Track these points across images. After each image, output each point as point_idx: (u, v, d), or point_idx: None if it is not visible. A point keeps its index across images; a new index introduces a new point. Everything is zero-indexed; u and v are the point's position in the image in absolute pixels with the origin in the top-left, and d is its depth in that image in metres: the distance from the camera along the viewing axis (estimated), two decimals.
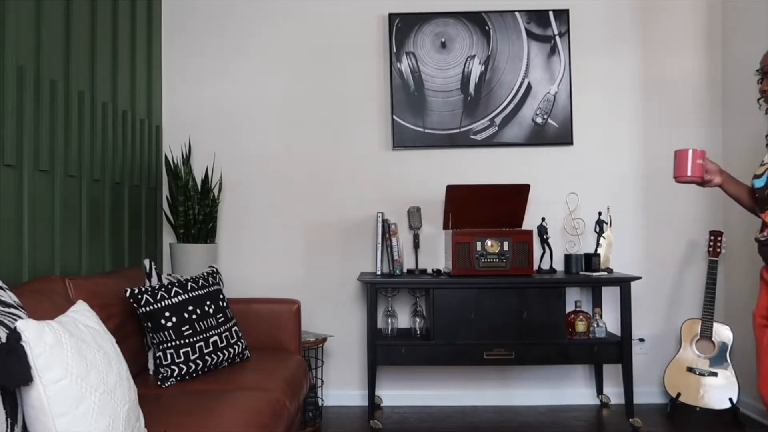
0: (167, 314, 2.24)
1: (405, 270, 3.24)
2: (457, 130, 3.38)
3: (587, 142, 3.42)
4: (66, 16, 2.41)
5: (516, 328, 2.97)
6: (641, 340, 3.38)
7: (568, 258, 3.22)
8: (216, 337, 2.35)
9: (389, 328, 3.19)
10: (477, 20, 3.39)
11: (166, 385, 2.20)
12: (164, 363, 2.22)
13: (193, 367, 2.25)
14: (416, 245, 3.30)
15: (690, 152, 2.05)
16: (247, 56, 3.45)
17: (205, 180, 3.18)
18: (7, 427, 1.24)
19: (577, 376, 3.41)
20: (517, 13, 3.39)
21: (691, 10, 3.43)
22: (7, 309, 1.45)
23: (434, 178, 3.39)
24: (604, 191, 3.41)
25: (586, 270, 3.16)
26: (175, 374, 2.22)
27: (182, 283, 2.38)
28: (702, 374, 3.05)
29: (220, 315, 2.42)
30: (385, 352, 2.99)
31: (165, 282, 2.37)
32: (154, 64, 3.30)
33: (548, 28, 3.39)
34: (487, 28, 3.39)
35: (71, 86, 2.42)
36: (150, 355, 2.40)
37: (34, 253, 2.17)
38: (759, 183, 2.12)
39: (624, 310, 3.01)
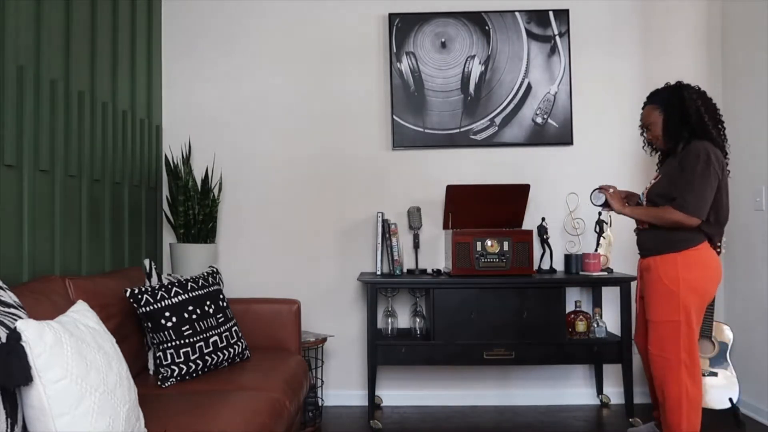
0: (167, 314, 2.24)
1: (405, 270, 3.24)
2: (457, 130, 3.38)
3: (587, 142, 3.42)
4: (66, 16, 2.41)
5: (516, 328, 2.97)
6: None
7: (568, 258, 3.22)
8: (216, 337, 2.35)
9: (389, 328, 3.19)
10: (477, 20, 3.39)
11: (166, 385, 2.20)
12: (164, 363, 2.22)
13: (193, 367, 2.25)
14: (416, 245, 3.30)
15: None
16: (248, 56, 3.45)
17: (205, 180, 3.18)
18: (7, 427, 1.24)
19: (577, 376, 3.41)
20: (517, 13, 3.39)
21: (691, 11, 3.43)
22: (7, 309, 1.45)
23: (434, 178, 3.39)
24: None
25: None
26: (175, 374, 2.22)
27: (182, 283, 2.38)
28: (702, 374, 3.04)
29: (220, 315, 2.42)
30: (385, 352, 2.99)
31: (165, 282, 2.37)
32: (154, 64, 3.30)
33: (548, 28, 3.39)
34: (487, 28, 3.39)
35: (71, 86, 2.42)
36: (150, 355, 2.40)
37: (34, 253, 2.17)
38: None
39: (624, 310, 3.01)
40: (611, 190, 2.62)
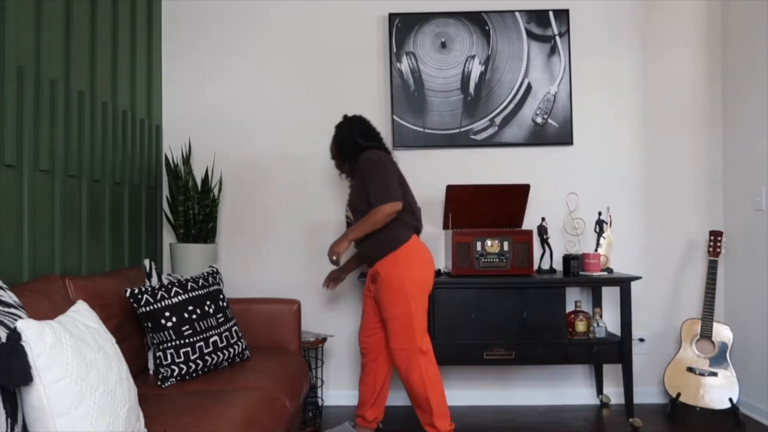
0: (167, 314, 2.24)
1: None
2: (457, 130, 3.38)
3: (587, 142, 3.42)
4: (66, 16, 2.41)
5: (516, 328, 2.97)
6: (641, 340, 3.38)
7: (567, 258, 3.21)
8: (216, 337, 2.35)
9: None
10: (477, 20, 3.39)
11: (166, 385, 2.20)
12: (164, 363, 2.22)
13: (193, 367, 2.25)
14: None
15: None
16: (248, 56, 3.45)
17: (205, 180, 3.18)
18: (7, 427, 1.24)
19: (577, 376, 3.41)
20: (517, 13, 3.39)
21: (691, 10, 3.43)
22: (7, 309, 1.45)
23: (434, 178, 3.39)
24: (604, 191, 3.41)
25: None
26: (175, 374, 2.22)
27: (182, 283, 2.38)
28: (702, 374, 3.05)
29: (220, 315, 2.42)
30: None
31: (165, 282, 2.37)
32: (154, 64, 3.30)
33: (548, 28, 3.39)
34: (487, 28, 3.39)
35: (71, 86, 2.42)
36: (150, 355, 2.40)
37: (34, 253, 2.17)
38: None
39: (624, 310, 3.01)
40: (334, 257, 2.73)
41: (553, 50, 3.39)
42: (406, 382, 2.60)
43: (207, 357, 2.30)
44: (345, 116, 2.89)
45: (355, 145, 2.76)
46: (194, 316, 2.30)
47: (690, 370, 3.09)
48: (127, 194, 2.92)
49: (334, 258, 2.60)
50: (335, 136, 2.87)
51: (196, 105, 3.44)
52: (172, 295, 2.29)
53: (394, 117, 3.38)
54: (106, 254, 2.70)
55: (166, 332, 2.22)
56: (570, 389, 3.40)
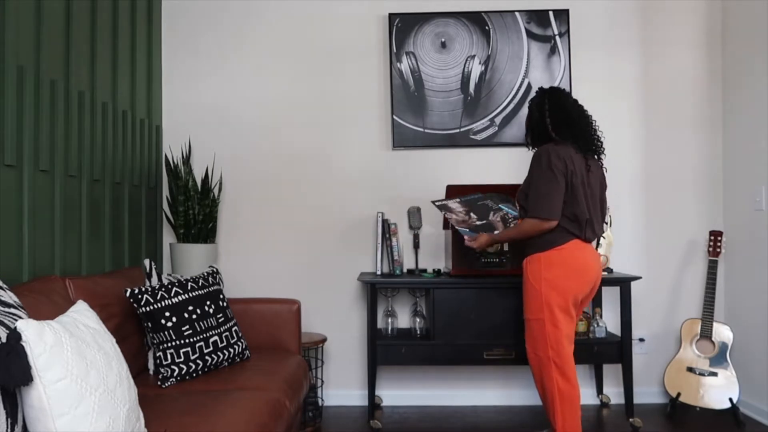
0: (167, 314, 2.24)
1: (405, 270, 3.24)
2: (457, 130, 3.38)
3: None
4: (66, 16, 2.41)
5: (516, 327, 2.97)
6: (641, 340, 3.38)
7: None
8: (216, 337, 2.35)
9: (389, 328, 3.19)
10: (477, 20, 3.39)
11: (166, 385, 2.20)
12: (164, 363, 2.22)
13: (193, 367, 2.25)
14: (416, 245, 3.30)
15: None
16: (248, 56, 3.45)
17: (205, 180, 3.18)
18: (7, 427, 1.24)
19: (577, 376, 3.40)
20: (517, 13, 3.39)
21: (691, 10, 3.43)
22: (7, 309, 1.45)
23: (434, 178, 3.39)
24: None
25: None
26: (175, 374, 2.22)
27: (182, 283, 2.38)
28: (702, 374, 3.05)
29: (220, 315, 2.42)
30: (385, 352, 2.99)
31: (165, 282, 2.37)
32: (154, 64, 3.30)
33: (548, 28, 3.39)
34: (487, 28, 3.39)
35: (71, 86, 2.42)
36: (150, 355, 2.40)
37: (34, 253, 2.17)
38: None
39: (624, 310, 3.01)
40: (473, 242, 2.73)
41: (553, 50, 3.39)
42: (540, 389, 2.51)
43: (207, 357, 2.30)
44: (541, 89, 2.62)
45: (541, 131, 2.53)
46: (194, 316, 2.30)
47: (690, 370, 3.09)
48: (127, 194, 2.92)
49: (471, 245, 2.69)
50: (528, 113, 2.63)
51: (196, 105, 3.44)
52: (172, 295, 2.29)
53: (394, 117, 3.38)
54: (106, 254, 2.70)
55: (166, 332, 2.22)
56: None
